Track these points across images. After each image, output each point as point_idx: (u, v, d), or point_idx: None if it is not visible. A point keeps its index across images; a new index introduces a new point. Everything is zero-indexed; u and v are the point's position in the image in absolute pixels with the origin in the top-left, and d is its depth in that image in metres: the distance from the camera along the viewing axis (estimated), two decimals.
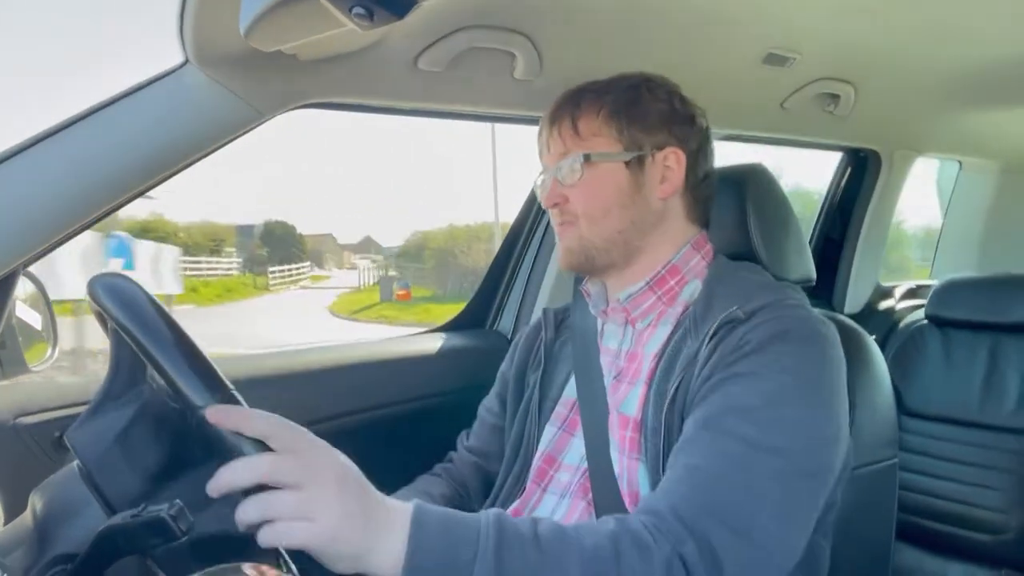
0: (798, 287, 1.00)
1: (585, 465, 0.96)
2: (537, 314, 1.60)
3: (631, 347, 0.99)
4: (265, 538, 0.59)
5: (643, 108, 0.98)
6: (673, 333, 0.94)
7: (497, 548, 0.65)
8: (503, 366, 1.18)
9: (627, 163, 0.96)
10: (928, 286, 2.02)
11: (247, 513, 0.59)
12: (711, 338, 0.87)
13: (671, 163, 0.98)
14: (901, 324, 1.95)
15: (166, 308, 0.66)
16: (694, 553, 0.70)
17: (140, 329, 0.63)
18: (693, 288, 0.98)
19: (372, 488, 0.65)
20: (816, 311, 0.92)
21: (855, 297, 2.14)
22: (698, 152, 1.01)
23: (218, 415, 0.60)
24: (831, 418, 0.83)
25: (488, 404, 1.18)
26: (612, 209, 0.97)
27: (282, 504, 0.59)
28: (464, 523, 0.67)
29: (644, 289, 0.98)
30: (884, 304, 2.19)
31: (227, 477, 0.59)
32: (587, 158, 0.96)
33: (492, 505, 1.04)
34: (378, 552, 0.62)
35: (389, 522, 0.64)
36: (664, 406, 0.87)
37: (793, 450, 0.78)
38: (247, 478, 0.59)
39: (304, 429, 0.64)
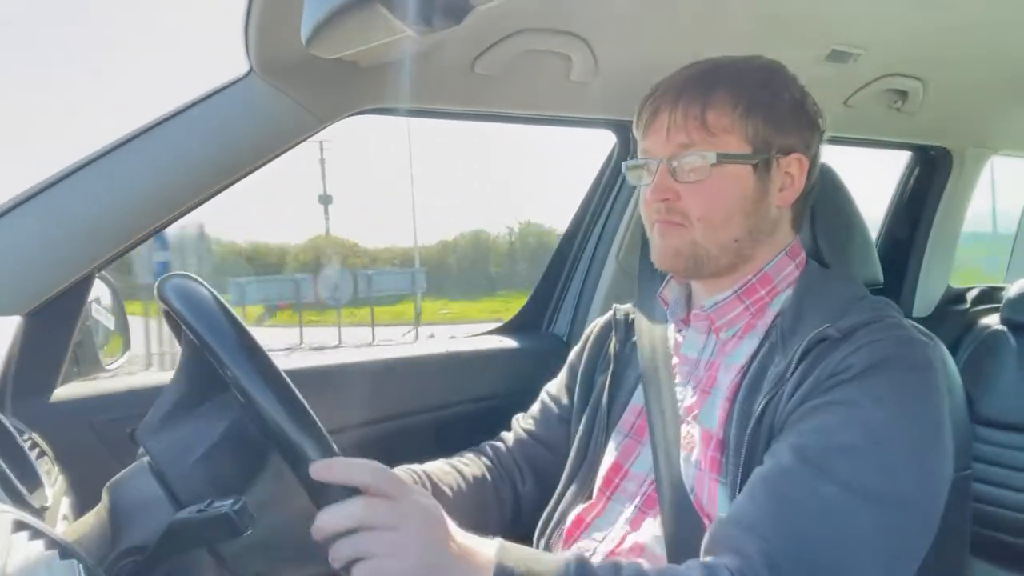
0: (892, 303, 0.93)
1: (652, 476, 0.93)
2: (593, 316, 1.59)
3: (712, 357, 0.94)
4: (359, 574, 0.61)
5: (779, 108, 0.90)
6: (760, 347, 0.89)
7: None
8: (572, 357, 1.15)
9: (754, 166, 0.89)
10: (1002, 289, 1.94)
11: (342, 552, 0.62)
12: (802, 357, 0.81)
13: (793, 170, 0.91)
14: (974, 329, 1.87)
15: (235, 313, 0.67)
16: None
17: (213, 337, 0.65)
18: (784, 299, 0.92)
19: (456, 528, 0.67)
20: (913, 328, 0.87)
21: (924, 300, 2.06)
22: (815, 158, 0.94)
23: (322, 471, 0.62)
24: (938, 456, 0.78)
25: (554, 393, 1.15)
26: (734, 216, 0.89)
27: (375, 542, 0.61)
28: (546, 564, 0.67)
29: (731, 298, 0.92)
30: (956, 308, 2.10)
31: (328, 523, 0.62)
32: (718, 158, 0.87)
33: (555, 510, 1.02)
34: None
35: (472, 563, 0.65)
36: (749, 426, 0.82)
37: (897, 497, 0.73)
38: (345, 524, 0.62)
39: (394, 472, 0.66)
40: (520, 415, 1.18)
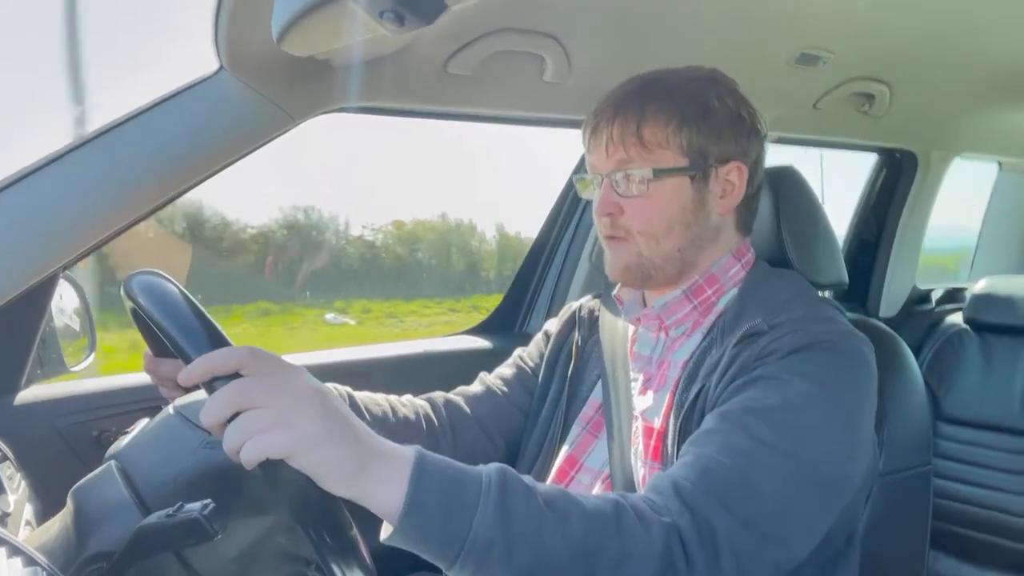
0: (835, 302, 0.97)
1: (607, 471, 0.95)
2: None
3: (662, 355, 0.97)
4: (246, 454, 0.57)
5: (714, 119, 0.91)
6: (702, 343, 0.92)
7: (501, 492, 0.63)
8: (549, 325, 1.16)
9: (692, 177, 0.91)
10: (966, 289, 1.98)
11: (230, 440, 0.58)
12: (733, 348, 0.85)
13: (733, 177, 0.93)
14: (939, 328, 1.91)
15: (202, 307, 0.67)
16: (691, 529, 0.69)
17: (171, 322, 0.64)
18: (729, 298, 0.95)
19: (355, 416, 0.63)
20: (850, 323, 0.89)
21: (890, 301, 2.10)
22: (756, 163, 0.96)
23: (188, 373, 0.60)
24: (851, 430, 0.81)
25: (529, 359, 1.15)
26: (674, 227, 0.92)
27: (257, 418, 0.58)
28: (467, 467, 0.65)
29: (680, 297, 0.95)
30: (921, 308, 2.15)
31: (208, 416, 0.59)
32: (654, 174, 0.90)
33: None
34: (375, 477, 0.60)
35: (385, 450, 0.62)
36: (682, 413, 0.86)
37: (805, 458, 0.76)
38: (221, 410, 0.58)
39: (275, 354, 0.63)
40: (485, 374, 1.16)
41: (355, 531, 0.63)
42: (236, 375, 0.59)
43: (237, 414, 0.58)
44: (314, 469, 0.58)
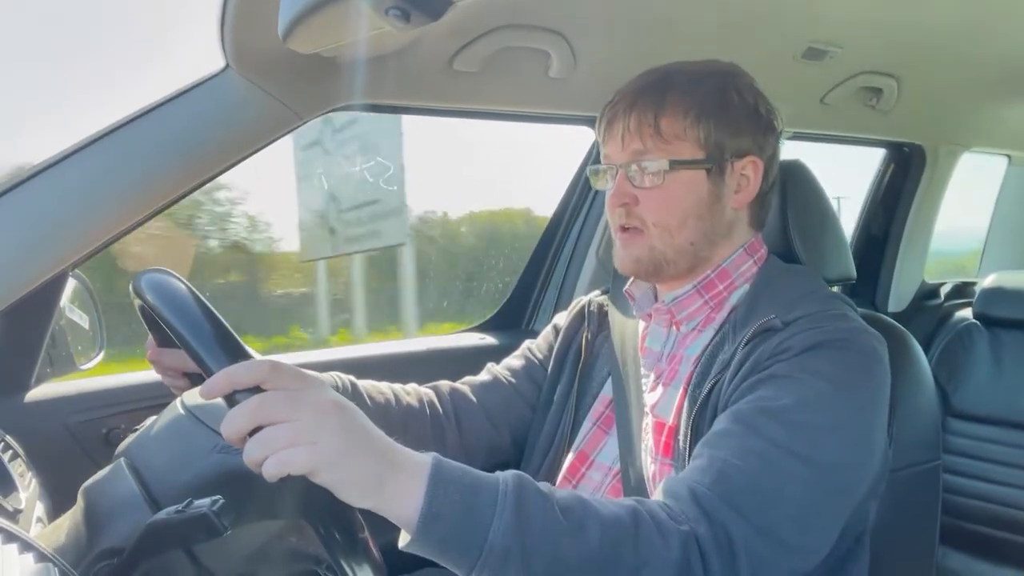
0: (847, 298, 0.96)
1: (618, 467, 0.95)
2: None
3: (673, 350, 0.97)
4: (269, 469, 0.57)
5: (731, 112, 0.91)
6: (714, 338, 0.92)
7: (517, 500, 0.63)
8: (558, 319, 1.16)
9: (708, 171, 0.91)
10: (975, 284, 1.97)
11: (252, 454, 0.58)
12: (746, 344, 0.85)
13: (748, 172, 0.93)
14: (948, 323, 1.90)
15: (207, 302, 0.67)
16: (708, 537, 0.69)
17: (181, 322, 0.64)
18: (741, 293, 0.95)
19: (375, 427, 0.63)
20: (861, 318, 0.89)
21: (899, 295, 2.09)
22: (772, 158, 0.96)
23: (210, 387, 0.60)
24: (865, 429, 0.81)
25: (538, 351, 1.15)
26: (688, 220, 0.91)
27: (280, 433, 0.58)
28: (483, 475, 0.65)
29: (691, 292, 0.95)
30: (930, 302, 2.14)
31: (229, 429, 0.59)
32: (670, 165, 0.90)
33: None
34: (393, 488, 0.60)
35: (402, 461, 0.62)
36: (695, 409, 0.86)
37: (820, 461, 0.76)
38: (244, 424, 0.58)
39: (296, 368, 0.63)
40: (492, 364, 1.16)
41: (366, 530, 0.63)
42: (258, 389, 0.59)
43: (258, 427, 0.58)
44: (335, 484, 0.59)
